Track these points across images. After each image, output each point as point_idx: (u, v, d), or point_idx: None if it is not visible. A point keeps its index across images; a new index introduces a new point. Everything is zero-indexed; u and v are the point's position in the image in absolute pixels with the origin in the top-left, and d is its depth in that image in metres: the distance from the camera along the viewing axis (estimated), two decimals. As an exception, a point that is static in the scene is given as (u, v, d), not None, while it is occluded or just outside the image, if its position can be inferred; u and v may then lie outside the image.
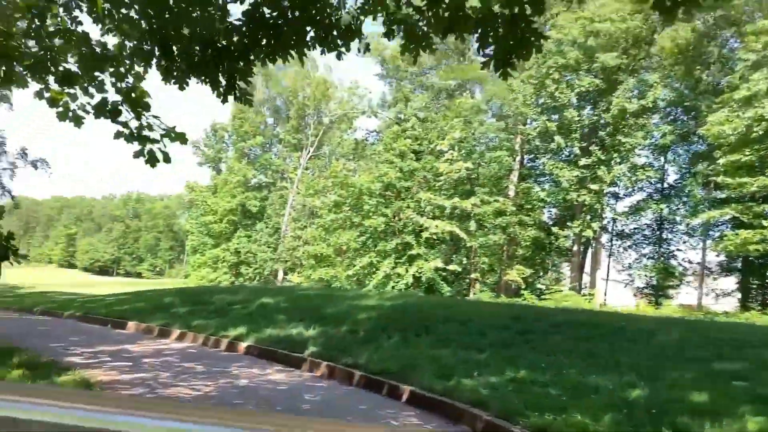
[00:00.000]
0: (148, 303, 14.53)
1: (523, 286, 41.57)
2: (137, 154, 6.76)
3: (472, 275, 41.32)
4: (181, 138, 7.00)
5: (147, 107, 6.86)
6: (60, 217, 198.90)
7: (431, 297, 13.76)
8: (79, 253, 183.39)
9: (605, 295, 44.06)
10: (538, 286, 43.96)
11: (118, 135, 6.78)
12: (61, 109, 6.67)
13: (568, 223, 41.78)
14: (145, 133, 6.90)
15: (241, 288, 16.05)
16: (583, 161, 38.82)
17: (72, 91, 6.68)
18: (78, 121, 6.77)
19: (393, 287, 46.78)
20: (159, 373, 8.18)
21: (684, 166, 44.30)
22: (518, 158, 44.35)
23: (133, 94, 6.84)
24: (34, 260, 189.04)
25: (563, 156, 42.17)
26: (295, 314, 11.34)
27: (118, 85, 6.91)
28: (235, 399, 6.92)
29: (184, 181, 77.60)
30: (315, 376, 8.79)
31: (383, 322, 11.08)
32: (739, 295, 40.55)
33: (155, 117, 6.86)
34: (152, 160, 6.71)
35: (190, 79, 6.76)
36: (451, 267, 41.15)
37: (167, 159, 6.86)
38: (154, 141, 6.86)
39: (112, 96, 6.88)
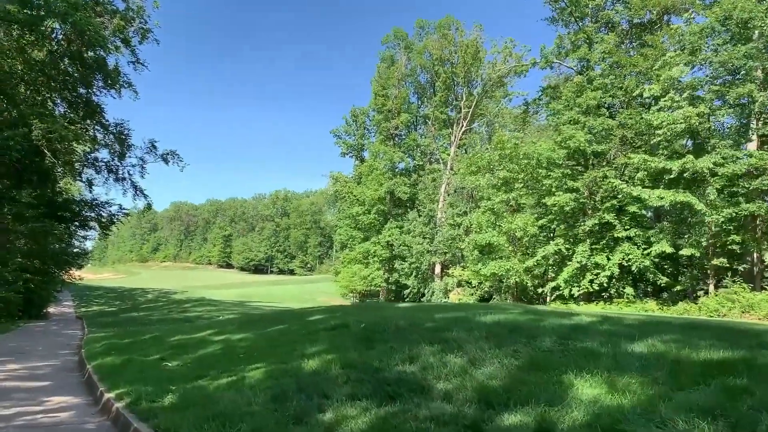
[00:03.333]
0: (280, 362, 6.62)
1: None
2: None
3: (714, 261, 30.00)
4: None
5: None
6: (215, 220, 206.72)
7: None
8: (235, 254, 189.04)
9: None
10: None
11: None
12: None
13: None
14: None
15: (478, 307, 7.40)
16: None
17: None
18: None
19: (591, 281, 36.60)
20: None
21: None
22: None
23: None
24: (195, 262, 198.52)
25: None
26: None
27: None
28: None
29: (327, 175, 72.95)
30: None
31: None
32: None
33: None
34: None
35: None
36: (685, 251, 30.14)
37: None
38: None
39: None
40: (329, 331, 8.63)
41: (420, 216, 57.25)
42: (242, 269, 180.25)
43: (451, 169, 57.25)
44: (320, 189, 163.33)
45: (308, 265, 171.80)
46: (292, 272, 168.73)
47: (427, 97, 65.91)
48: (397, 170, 62.25)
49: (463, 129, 59.86)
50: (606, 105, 39.25)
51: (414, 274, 55.83)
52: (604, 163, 38.30)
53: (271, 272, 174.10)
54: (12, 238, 35.41)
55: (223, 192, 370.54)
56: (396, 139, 64.23)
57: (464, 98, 60.31)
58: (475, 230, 46.52)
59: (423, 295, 54.70)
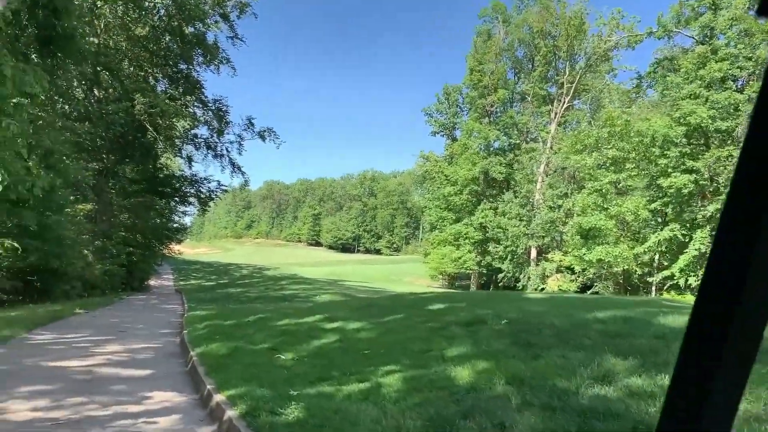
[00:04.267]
0: (417, 365, 5.38)
1: None
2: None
3: None
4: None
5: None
6: (305, 199, 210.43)
7: None
8: (324, 232, 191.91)
9: None
10: None
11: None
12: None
13: None
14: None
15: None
16: None
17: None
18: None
19: (711, 271, 33.41)
20: None
21: None
22: None
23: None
24: (286, 239, 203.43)
25: None
26: None
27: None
28: None
29: (417, 155, 71.42)
30: None
31: None
32: None
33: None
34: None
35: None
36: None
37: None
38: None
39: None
40: (465, 327, 7.26)
41: (516, 197, 54.82)
42: (330, 247, 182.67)
43: (551, 147, 54.37)
44: (408, 169, 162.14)
45: (394, 246, 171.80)
46: (378, 252, 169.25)
47: (524, 73, 62.91)
48: (491, 149, 59.93)
49: (565, 105, 56.61)
50: (733, 77, 35.49)
51: (509, 257, 53.63)
52: (729, 142, 34.71)
53: (358, 251, 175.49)
54: (116, 212, 36.50)
55: (312, 172, 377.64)
56: (491, 116, 61.79)
57: (566, 73, 56.94)
58: (578, 213, 43.82)
59: (518, 280, 52.50)
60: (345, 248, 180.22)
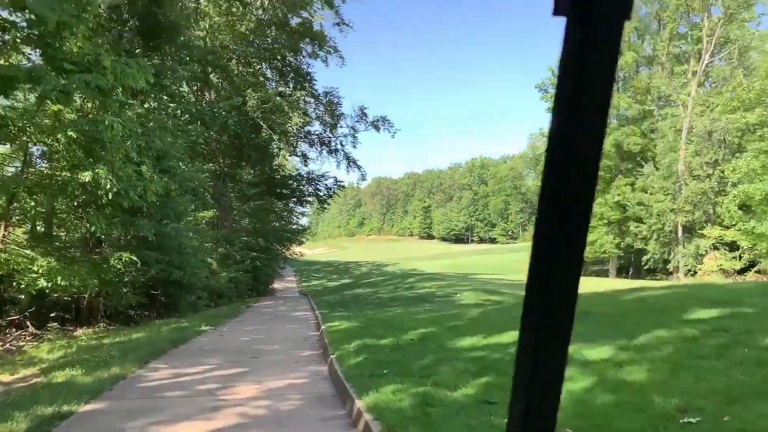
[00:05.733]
0: None
1: None
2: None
3: None
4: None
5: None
6: (414, 192, 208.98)
7: None
8: (435, 224, 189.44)
9: None
10: None
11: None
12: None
13: None
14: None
15: None
16: None
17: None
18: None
19: None
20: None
21: None
22: None
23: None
24: (398, 234, 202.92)
25: None
26: None
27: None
28: None
29: (530, 135, 66.60)
30: None
31: None
32: None
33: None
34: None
35: None
36: None
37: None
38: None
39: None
40: None
41: (658, 169, 48.94)
42: (443, 239, 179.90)
43: (693, 110, 48.10)
44: (520, 153, 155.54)
45: (510, 233, 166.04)
46: (493, 241, 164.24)
47: (649, 33, 56.70)
48: (622, 119, 54.30)
49: (705, 62, 49.97)
50: None
51: (655, 237, 47.91)
52: None
53: (472, 241, 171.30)
54: (236, 218, 35.57)
55: (418, 164, 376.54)
56: (618, 83, 56.03)
57: (705, 26, 50.24)
58: (734, 182, 38.01)
59: (667, 262, 46.84)
60: (458, 239, 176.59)
